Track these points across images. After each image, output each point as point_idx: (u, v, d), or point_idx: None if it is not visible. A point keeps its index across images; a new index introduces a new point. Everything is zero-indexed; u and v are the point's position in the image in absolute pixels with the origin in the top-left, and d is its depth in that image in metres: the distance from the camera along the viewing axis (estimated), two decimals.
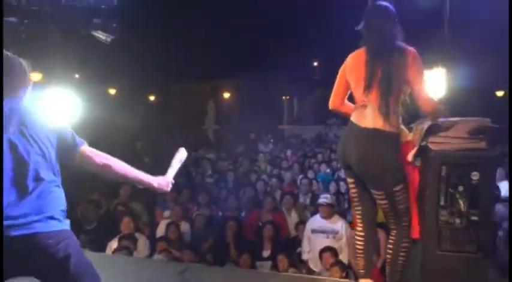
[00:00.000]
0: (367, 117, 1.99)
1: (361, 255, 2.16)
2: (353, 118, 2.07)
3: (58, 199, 1.51)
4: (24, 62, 1.52)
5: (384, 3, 2.08)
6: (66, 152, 1.54)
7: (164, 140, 9.72)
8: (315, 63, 20.93)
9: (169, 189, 1.76)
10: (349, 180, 2.22)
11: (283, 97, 19.64)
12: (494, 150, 1.97)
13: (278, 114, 18.38)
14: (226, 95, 22.70)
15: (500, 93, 16.69)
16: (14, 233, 1.37)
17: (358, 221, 2.21)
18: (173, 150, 1.91)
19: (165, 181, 1.74)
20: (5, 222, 1.37)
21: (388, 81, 1.93)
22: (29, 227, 1.39)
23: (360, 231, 2.18)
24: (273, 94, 19.22)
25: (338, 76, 2.15)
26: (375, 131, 1.97)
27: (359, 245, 2.18)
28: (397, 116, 2.00)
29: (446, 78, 4.72)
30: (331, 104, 2.21)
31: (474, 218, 1.89)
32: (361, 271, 2.17)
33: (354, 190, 2.18)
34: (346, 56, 2.13)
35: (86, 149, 1.58)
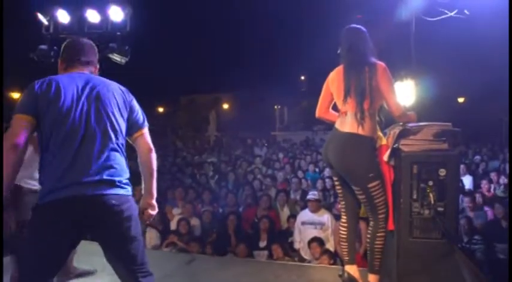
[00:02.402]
0: (347, 123, 2.00)
1: (345, 243, 2.17)
2: (336, 124, 2.09)
3: (124, 166, 1.46)
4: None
5: (356, 25, 2.09)
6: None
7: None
8: (302, 78, 21.12)
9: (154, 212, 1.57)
10: (334, 178, 2.24)
11: (275, 107, 19.71)
12: (455, 150, 2.00)
13: (271, 122, 18.43)
14: (226, 106, 22.75)
15: (461, 100, 16.94)
16: (85, 192, 1.33)
17: (342, 213, 2.22)
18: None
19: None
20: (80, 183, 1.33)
21: (361, 92, 1.95)
22: (98, 189, 1.35)
23: (344, 222, 2.20)
24: (266, 105, 19.29)
25: (323, 89, 2.17)
26: (351, 135, 1.98)
27: (343, 233, 2.19)
28: (373, 122, 2.00)
29: (414, 89, 4.81)
30: (318, 113, 2.22)
31: (440, 209, 1.91)
32: (346, 258, 2.17)
33: (338, 187, 2.20)
34: (328, 72, 2.15)
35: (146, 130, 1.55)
